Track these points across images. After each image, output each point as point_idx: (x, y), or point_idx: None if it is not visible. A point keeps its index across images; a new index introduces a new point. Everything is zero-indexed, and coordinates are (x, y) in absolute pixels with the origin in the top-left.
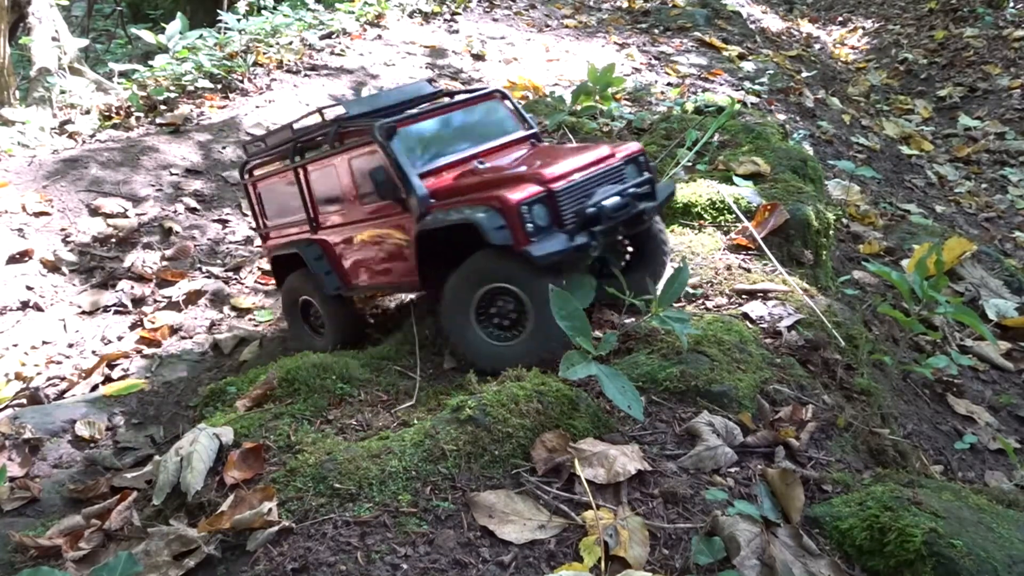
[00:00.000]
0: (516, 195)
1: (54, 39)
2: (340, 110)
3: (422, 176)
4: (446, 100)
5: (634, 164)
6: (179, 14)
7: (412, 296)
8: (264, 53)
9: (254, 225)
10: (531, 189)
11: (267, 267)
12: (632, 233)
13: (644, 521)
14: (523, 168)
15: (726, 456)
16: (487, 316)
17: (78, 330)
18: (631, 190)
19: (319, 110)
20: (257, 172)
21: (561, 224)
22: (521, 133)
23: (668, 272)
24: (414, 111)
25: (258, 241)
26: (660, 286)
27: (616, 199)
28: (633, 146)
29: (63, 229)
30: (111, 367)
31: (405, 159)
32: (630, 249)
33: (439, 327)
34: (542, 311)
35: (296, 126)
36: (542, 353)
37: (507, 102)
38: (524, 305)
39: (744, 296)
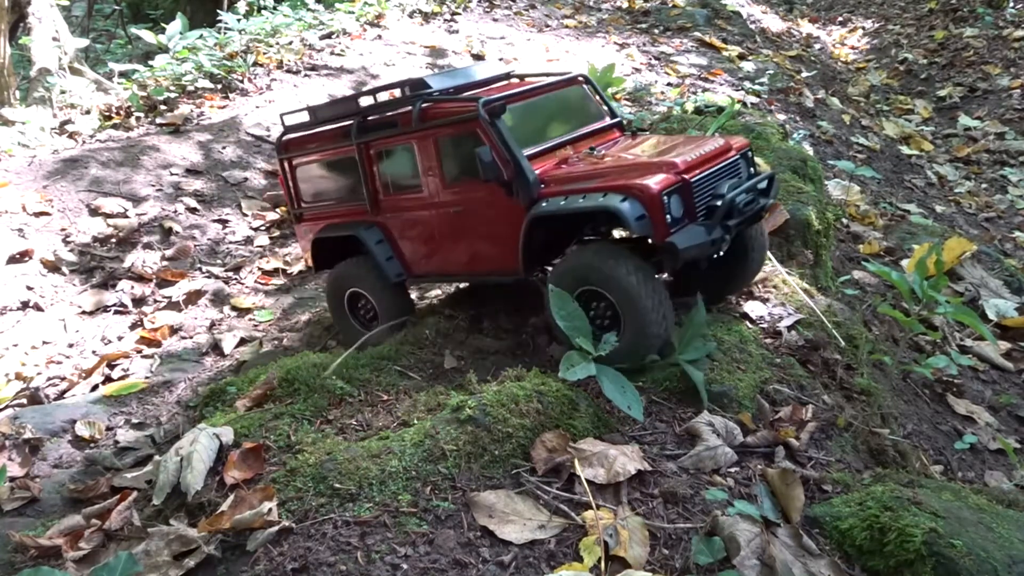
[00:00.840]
0: (656, 184)
1: (54, 39)
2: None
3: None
4: (541, 81)
5: (743, 158)
6: (179, 14)
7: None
8: (264, 53)
9: (287, 206)
10: (667, 178)
11: (268, 267)
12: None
13: (644, 521)
14: (648, 157)
15: (726, 456)
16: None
17: (78, 330)
18: (758, 185)
19: (383, 88)
20: (297, 148)
21: (693, 216)
22: (608, 121)
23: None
24: (513, 91)
25: (257, 240)
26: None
27: (746, 194)
28: (742, 140)
29: (63, 229)
30: (111, 367)
31: (513, 140)
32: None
33: (439, 328)
34: (632, 314)
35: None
36: (638, 353)
37: (590, 88)
38: (614, 307)
39: (744, 296)
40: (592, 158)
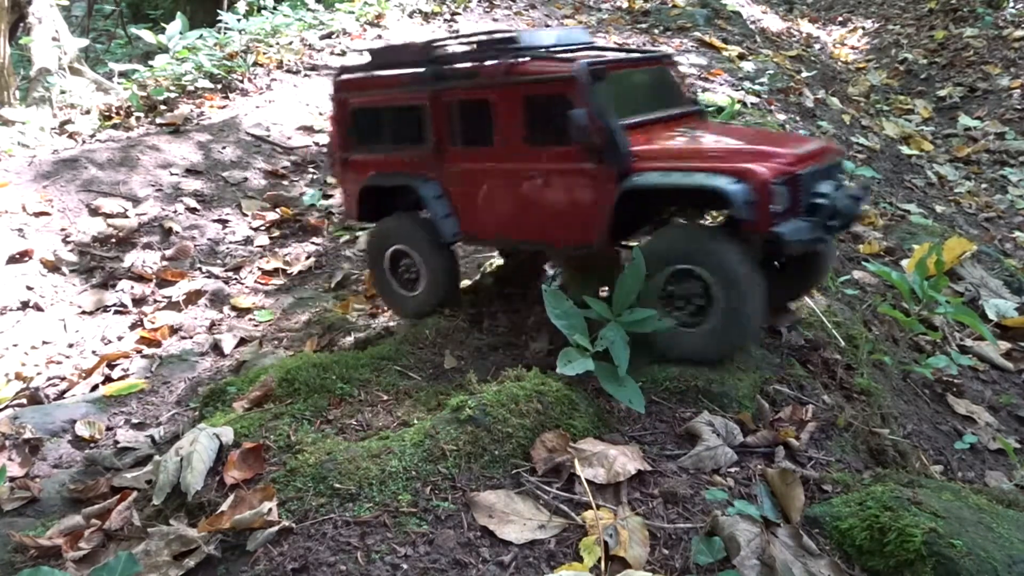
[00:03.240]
0: (767, 170)
1: (54, 39)
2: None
3: None
4: (634, 54)
5: (837, 165)
6: (179, 14)
7: None
8: (264, 53)
9: (332, 148)
10: (778, 167)
11: (268, 267)
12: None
13: (644, 521)
14: (753, 144)
15: (726, 456)
16: (669, 298)
17: (78, 330)
18: (857, 191)
19: (462, 37)
20: (357, 88)
21: (796, 211)
22: (690, 107)
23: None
24: (610, 57)
25: (257, 240)
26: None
27: (849, 198)
28: (838, 145)
29: (63, 229)
30: (111, 367)
31: (609, 108)
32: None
33: (439, 328)
34: (732, 300)
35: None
36: (725, 344)
37: (675, 71)
38: (711, 292)
39: None
40: (690, 137)
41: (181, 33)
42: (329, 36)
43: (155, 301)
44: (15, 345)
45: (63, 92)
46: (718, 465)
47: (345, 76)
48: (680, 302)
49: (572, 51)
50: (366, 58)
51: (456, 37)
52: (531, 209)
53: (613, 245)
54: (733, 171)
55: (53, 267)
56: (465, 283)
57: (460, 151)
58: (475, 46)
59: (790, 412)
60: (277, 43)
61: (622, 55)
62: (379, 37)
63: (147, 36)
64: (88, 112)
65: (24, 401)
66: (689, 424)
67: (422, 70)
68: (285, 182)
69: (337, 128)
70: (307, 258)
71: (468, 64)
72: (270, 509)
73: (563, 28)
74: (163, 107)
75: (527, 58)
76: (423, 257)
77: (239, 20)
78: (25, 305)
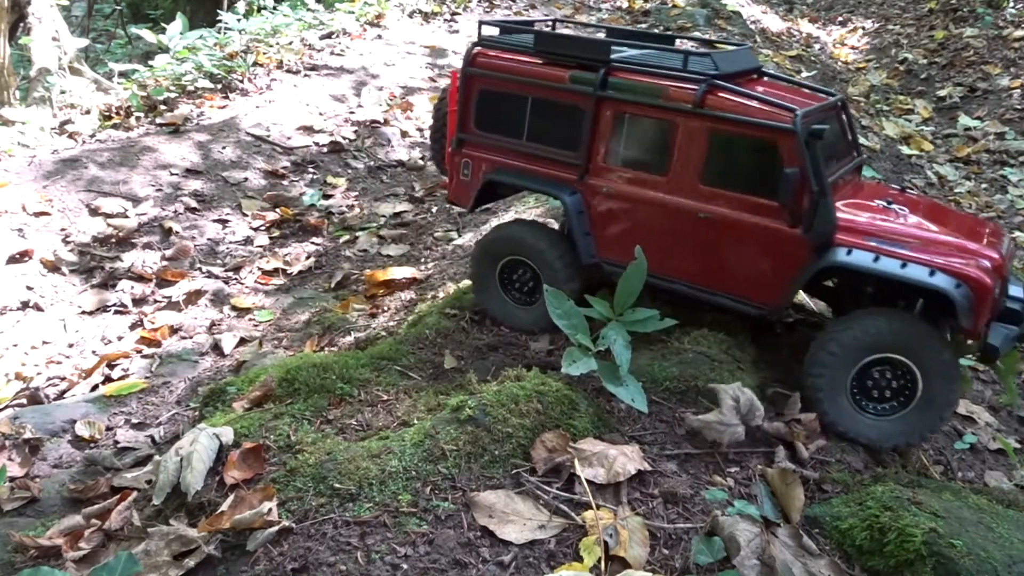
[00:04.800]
0: (988, 277)
1: (54, 39)
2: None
3: None
4: (805, 88)
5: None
6: (179, 14)
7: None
8: (264, 53)
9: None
10: (993, 270)
11: (267, 267)
12: None
13: (644, 521)
14: (958, 235)
15: (733, 436)
16: (860, 382)
17: (78, 330)
18: None
19: (645, 38)
20: (494, 67)
21: (995, 314)
22: (859, 158)
23: None
24: (818, 104)
25: (257, 240)
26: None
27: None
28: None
29: (63, 229)
30: (111, 367)
31: (824, 171)
32: None
33: (439, 328)
34: (934, 392)
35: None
36: (921, 433)
37: (845, 116)
38: (913, 381)
39: None
40: (892, 213)
41: (181, 33)
42: (329, 36)
43: (155, 301)
44: (15, 345)
45: (63, 92)
46: (721, 441)
47: (483, 51)
48: (880, 387)
49: (747, 77)
50: (522, 37)
51: (638, 36)
52: (693, 252)
53: (786, 308)
54: (953, 271)
55: (53, 267)
56: (465, 283)
57: (618, 170)
58: (661, 53)
59: (809, 419)
60: (277, 43)
61: (823, 100)
62: (379, 37)
63: (147, 36)
64: (88, 112)
65: (24, 401)
66: (715, 386)
67: (592, 70)
68: (285, 182)
69: (458, 103)
70: (307, 258)
71: (654, 78)
72: (270, 509)
73: (737, 49)
74: (163, 107)
75: (725, 86)
76: (548, 274)
77: (239, 20)
78: (25, 305)
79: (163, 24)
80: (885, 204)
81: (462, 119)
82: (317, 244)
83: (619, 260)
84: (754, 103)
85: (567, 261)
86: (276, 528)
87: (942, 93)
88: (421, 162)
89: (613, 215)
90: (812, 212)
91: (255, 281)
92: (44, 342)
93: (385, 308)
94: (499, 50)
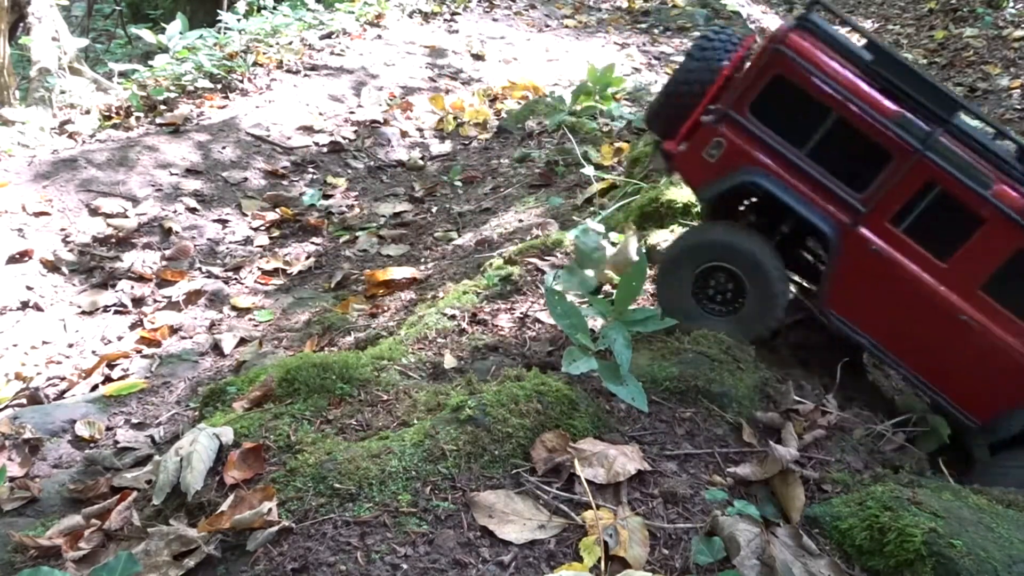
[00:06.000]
0: None
1: (54, 39)
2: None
3: None
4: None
5: None
6: (179, 14)
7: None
8: (264, 53)
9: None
10: None
11: (267, 267)
12: None
13: (644, 521)
14: None
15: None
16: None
17: (78, 330)
18: None
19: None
20: (811, 64)
21: None
22: None
23: None
24: None
25: (257, 240)
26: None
27: None
28: None
29: (63, 229)
30: (111, 367)
31: None
32: None
33: (439, 328)
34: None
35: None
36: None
37: None
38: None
39: None
40: None
41: (181, 33)
42: (329, 36)
43: (155, 301)
44: (15, 345)
45: (63, 92)
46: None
47: (802, 35)
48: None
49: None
50: (857, 44)
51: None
52: (935, 346)
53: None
54: None
55: (53, 267)
56: (466, 283)
57: (898, 234)
58: (994, 133)
59: (810, 410)
60: (277, 43)
61: None
62: (379, 37)
63: (147, 36)
64: (88, 112)
65: (24, 401)
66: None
67: (924, 119)
68: (285, 182)
69: (747, 79)
70: (307, 258)
71: (987, 163)
72: (270, 509)
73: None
74: (163, 107)
75: None
76: (760, 292)
77: (239, 20)
78: (25, 305)
79: (163, 24)
80: None
81: (740, 95)
82: (317, 244)
83: (849, 319)
84: None
85: (785, 282)
86: (276, 528)
87: None
88: (421, 162)
89: (866, 275)
90: None
91: (255, 281)
92: (44, 342)
93: (385, 308)
94: (821, 41)
